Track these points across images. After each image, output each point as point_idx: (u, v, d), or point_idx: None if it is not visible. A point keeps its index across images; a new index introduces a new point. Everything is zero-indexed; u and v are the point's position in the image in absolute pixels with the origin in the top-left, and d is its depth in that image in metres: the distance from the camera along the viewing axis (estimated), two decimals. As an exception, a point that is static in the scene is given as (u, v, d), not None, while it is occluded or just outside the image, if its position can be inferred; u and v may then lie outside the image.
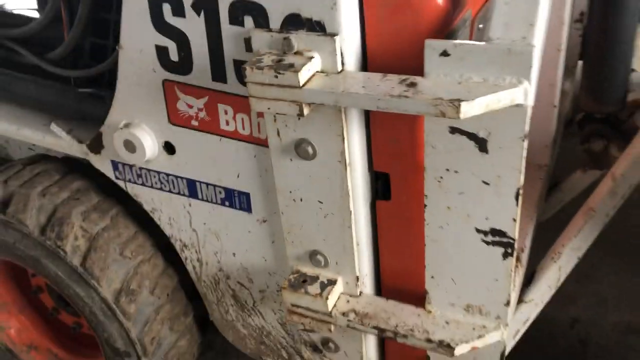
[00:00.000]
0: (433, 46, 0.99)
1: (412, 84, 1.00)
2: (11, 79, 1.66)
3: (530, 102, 0.98)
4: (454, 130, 1.05)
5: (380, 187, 1.26)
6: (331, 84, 1.04)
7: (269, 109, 1.08)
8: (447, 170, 1.10)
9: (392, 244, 1.32)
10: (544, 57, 1.55)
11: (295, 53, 1.08)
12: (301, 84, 1.03)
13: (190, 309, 1.70)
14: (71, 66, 1.54)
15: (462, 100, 0.93)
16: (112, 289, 1.53)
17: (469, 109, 0.93)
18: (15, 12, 1.74)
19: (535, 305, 1.42)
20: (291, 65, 1.04)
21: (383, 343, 1.50)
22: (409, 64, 1.05)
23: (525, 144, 1.01)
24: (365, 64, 1.12)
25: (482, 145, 1.04)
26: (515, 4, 0.96)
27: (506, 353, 1.37)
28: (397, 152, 1.19)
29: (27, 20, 1.59)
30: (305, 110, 1.06)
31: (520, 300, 1.43)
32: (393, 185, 1.24)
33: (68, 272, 1.53)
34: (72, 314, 1.88)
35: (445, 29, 1.08)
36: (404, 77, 1.02)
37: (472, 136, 1.04)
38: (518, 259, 1.41)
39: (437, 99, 0.94)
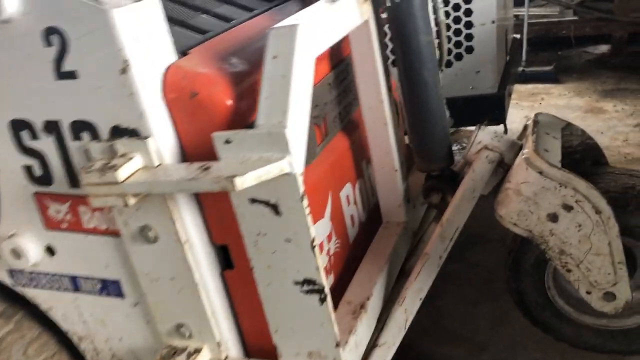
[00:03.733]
0: (218, 136, 1.24)
1: (207, 168, 1.23)
2: None
3: (297, 170, 1.21)
4: (252, 200, 1.28)
5: (225, 257, 1.47)
6: (147, 176, 1.28)
7: (103, 203, 1.31)
8: (258, 234, 1.31)
9: (245, 307, 1.50)
10: (373, 131, 1.82)
11: (122, 156, 1.32)
12: (120, 180, 1.26)
13: (98, 398, 1.83)
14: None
15: (236, 176, 1.16)
16: (17, 386, 1.68)
17: (243, 182, 1.16)
18: None
19: (388, 347, 1.58)
20: (113, 167, 1.28)
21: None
22: (214, 153, 1.29)
23: (305, 203, 1.24)
24: (185, 156, 1.37)
25: (275, 209, 1.26)
26: (273, 98, 1.22)
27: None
28: (226, 226, 1.41)
29: None
30: (131, 201, 1.29)
31: (374, 345, 1.59)
32: (233, 255, 1.45)
33: (-25, 376, 1.68)
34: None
35: (241, 124, 1.33)
36: (203, 163, 1.26)
37: (266, 203, 1.27)
38: (363, 306, 1.59)
39: (217, 177, 1.18)
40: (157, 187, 1.25)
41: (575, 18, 5.82)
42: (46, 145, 1.43)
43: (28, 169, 1.49)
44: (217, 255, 1.47)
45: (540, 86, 5.46)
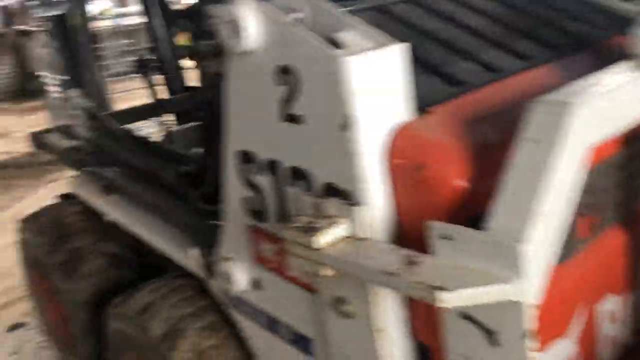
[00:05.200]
0: (435, 228, 0.98)
1: (413, 262, 0.99)
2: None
3: (528, 299, 0.89)
4: (464, 315, 0.99)
5: (421, 358, 1.21)
6: (348, 250, 1.09)
7: (298, 266, 1.16)
8: (465, 357, 1.02)
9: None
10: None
11: (328, 217, 1.15)
12: (316, 247, 1.09)
13: None
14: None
15: (442, 289, 0.89)
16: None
17: (449, 300, 0.89)
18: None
19: None
20: (315, 229, 1.12)
21: None
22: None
23: (530, 343, 0.91)
24: (402, 233, 1.14)
25: (491, 337, 0.96)
26: (516, 196, 0.90)
27: None
28: (432, 324, 1.14)
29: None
30: (324, 271, 1.11)
31: None
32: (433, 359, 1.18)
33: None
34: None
35: (472, 211, 1.05)
36: (411, 253, 1.02)
37: (481, 326, 0.97)
38: None
39: (419, 282, 0.92)
40: (351, 269, 1.05)
41: None
42: (265, 182, 1.35)
43: (246, 201, 1.43)
44: (417, 353, 1.21)
45: None
